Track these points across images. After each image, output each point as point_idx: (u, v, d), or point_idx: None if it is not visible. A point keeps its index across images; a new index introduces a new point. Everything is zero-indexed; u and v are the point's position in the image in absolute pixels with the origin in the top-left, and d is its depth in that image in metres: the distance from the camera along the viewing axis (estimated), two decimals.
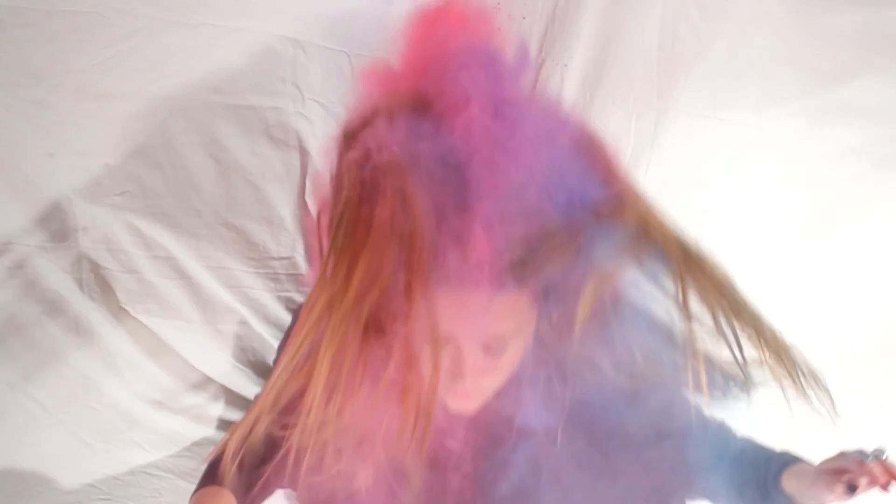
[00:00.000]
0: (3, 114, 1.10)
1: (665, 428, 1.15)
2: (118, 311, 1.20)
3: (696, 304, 0.95)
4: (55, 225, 1.15)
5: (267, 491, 1.16)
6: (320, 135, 1.19)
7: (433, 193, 0.92)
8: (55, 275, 1.17)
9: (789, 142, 1.18)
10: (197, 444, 1.27)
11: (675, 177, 1.21)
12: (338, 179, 0.98)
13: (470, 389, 1.01)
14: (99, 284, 1.19)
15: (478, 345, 0.98)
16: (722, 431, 1.22)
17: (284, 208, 1.22)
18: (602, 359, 1.04)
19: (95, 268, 1.18)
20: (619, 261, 0.97)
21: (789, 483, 1.09)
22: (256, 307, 1.26)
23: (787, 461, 1.13)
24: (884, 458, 0.98)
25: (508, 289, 0.95)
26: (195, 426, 1.28)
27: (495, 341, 0.99)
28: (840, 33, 1.13)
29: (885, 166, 1.21)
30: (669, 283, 0.97)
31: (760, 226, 1.20)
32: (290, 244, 1.24)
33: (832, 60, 1.14)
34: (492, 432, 1.11)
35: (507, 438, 1.11)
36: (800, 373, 0.98)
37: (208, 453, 1.07)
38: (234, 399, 1.29)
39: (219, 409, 1.29)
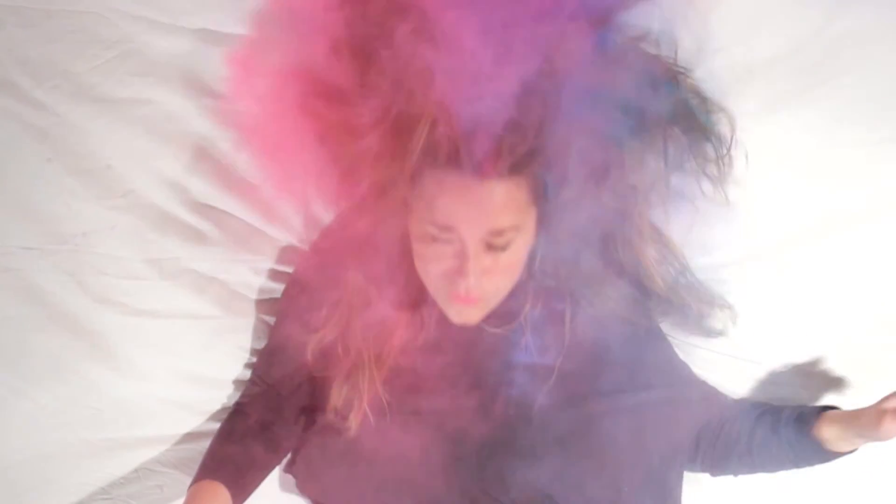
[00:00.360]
0: (1, 116, 1.11)
1: (659, 377, 1.18)
2: (119, 312, 1.21)
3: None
4: (55, 228, 1.16)
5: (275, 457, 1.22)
6: None
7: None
8: (56, 278, 1.17)
9: (795, 142, 1.17)
10: (200, 434, 1.27)
11: None
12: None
13: (473, 290, 1.02)
14: (100, 287, 1.20)
15: (478, 238, 0.99)
16: (718, 393, 1.24)
17: (286, 205, 1.22)
18: (591, 239, 1.08)
19: (97, 270, 1.19)
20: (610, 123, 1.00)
21: (830, 429, 1.12)
22: (260, 298, 1.27)
23: (814, 410, 1.15)
24: None
25: (505, 177, 0.97)
26: (199, 421, 1.29)
27: (496, 237, 1.00)
28: (844, 32, 1.12)
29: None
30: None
31: (765, 228, 1.20)
32: (291, 236, 1.25)
33: (836, 59, 1.13)
34: (491, 357, 1.13)
35: (505, 366, 1.14)
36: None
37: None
38: (238, 388, 1.30)
39: (223, 401, 1.29)
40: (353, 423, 1.13)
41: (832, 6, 1.10)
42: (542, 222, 1.05)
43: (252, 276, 1.26)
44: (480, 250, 1.00)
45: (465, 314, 1.07)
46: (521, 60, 0.94)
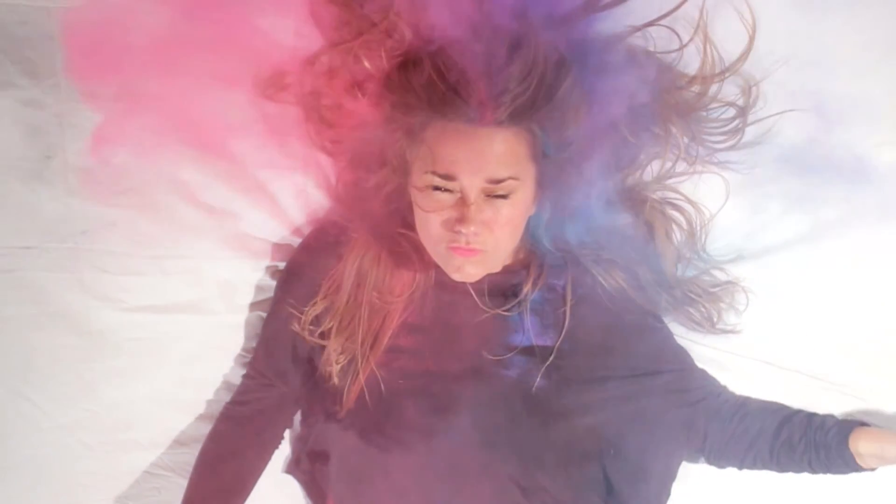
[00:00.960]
0: (1, 116, 1.11)
1: (658, 364, 1.18)
2: (119, 309, 1.21)
3: None
4: (55, 227, 1.16)
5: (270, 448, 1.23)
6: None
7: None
8: (56, 276, 1.18)
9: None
10: (196, 440, 1.27)
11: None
12: None
13: (473, 240, 1.03)
14: (100, 284, 1.20)
15: (479, 186, 1.01)
16: (719, 385, 1.23)
17: (288, 199, 1.22)
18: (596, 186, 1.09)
19: (97, 268, 1.19)
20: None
21: (869, 445, 1.11)
22: (261, 296, 1.27)
23: (853, 422, 1.14)
24: None
25: (505, 125, 0.99)
26: (197, 423, 1.28)
27: (495, 186, 1.01)
28: (844, 35, 1.12)
29: None
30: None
31: (773, 227, 1.20)
32: (291, 233, 1.25)
33: (836, 61, 1.13)
34: (489, 338, 1.13)
35: (504, 347, 1.14)
36: None
37: None
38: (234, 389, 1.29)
39: (221, 404, 1.28)
40: (347, 403, 1.13)
41: (831, 7, 1.10)
42: (542, 183, 1.06)
43: (251, 272, 1.26)
44: (481, 199, 1.02)
45: (465, 270, 1.07)
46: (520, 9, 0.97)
